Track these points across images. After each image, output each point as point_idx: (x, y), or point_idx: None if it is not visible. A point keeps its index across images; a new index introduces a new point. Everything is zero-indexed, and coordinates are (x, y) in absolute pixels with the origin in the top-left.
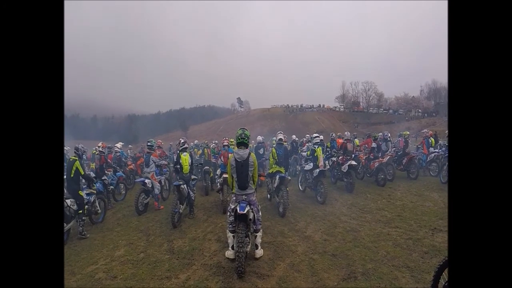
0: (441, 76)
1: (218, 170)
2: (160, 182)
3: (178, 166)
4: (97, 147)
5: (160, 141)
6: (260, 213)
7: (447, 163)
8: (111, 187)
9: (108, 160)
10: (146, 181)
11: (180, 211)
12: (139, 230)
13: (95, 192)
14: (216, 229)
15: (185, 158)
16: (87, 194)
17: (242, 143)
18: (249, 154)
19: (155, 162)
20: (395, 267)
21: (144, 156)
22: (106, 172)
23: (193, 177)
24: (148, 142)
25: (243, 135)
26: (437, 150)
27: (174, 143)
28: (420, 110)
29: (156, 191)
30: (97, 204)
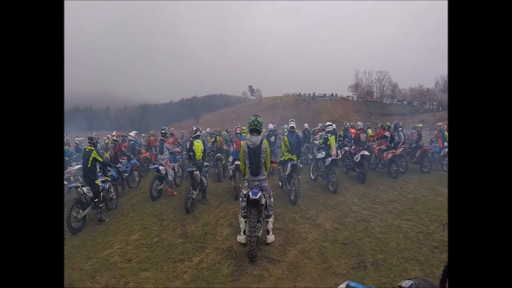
0: None
1: (230, 157)
2: (173, 168)
3: (191, 153)
4: (109, 136)
5: (173, 128)
6: (272, 199)
7: None
8: (125, 174)
9: (122, 149)
10: (160, 167)
11: (193, 196)
12: (153, 215)
13: (110, 179)
14: (228, 214)
15: (198, 145)
16: (102, 182)
17: (255, 129)
18: (262, 140)
19: (168, 149)
20: (404, 259)
21: (158, 143)
22: (120, 160)
23: (205, 163)
24: (162, 129)
25: (255, 121)
26: None
27: (186, 131)
28: (435, 103)
29: (170, 177)
30: (112, 190)
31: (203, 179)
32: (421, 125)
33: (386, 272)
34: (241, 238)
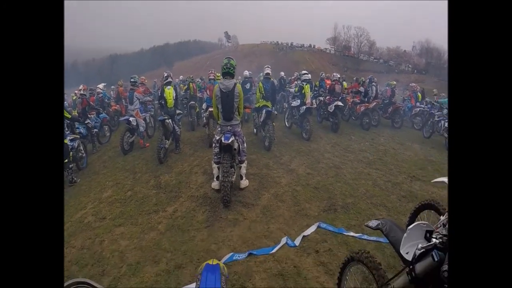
0: (435, 37)
1: (204, 105)
2: (145, 119)
3: (163, 101)
4: (76, 92)
5: (143, 78)
6: (245, 145)
7: (431, 120)
8: (95, 130)
9: (91, 103)
10: (131, 119)
11: (166, 146)
12: (125, 169)
13: (78, 137)
14: (202, 162)
15: (169, 92)
16: (71, 140)
17: (228, 73)
18: (235, 84)
19: (139, 99)
20: (373, 205)
21: (128, 93)
22: (89, 115)
23: (178, 111)
24: (132, 78)
25: (228, 64)
26: (422, 106)
27: (158, 80)
28: (410, 66)
29: (141, 128)
30: (81, 148)
31: (176, 127)
32: (395, 83)
33: (355, 216)
34: (214, 184)
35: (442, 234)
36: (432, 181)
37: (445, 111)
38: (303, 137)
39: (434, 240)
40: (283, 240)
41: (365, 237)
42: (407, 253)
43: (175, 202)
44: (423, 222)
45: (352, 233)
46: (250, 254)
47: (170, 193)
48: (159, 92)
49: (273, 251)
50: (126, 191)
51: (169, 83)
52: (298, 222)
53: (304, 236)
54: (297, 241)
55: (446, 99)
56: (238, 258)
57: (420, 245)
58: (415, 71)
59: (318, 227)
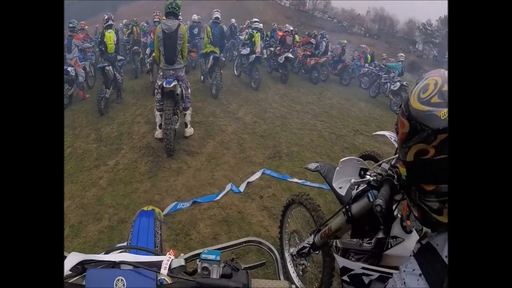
0: (390, 5)
1: (147, 50)
2: (84, 68)
3: (103, 47)
4: None
5: (83, 23)
6: (189, 90)
7: (378, 81)
8: None
9: None
10: (69, 69)
11: (107, 96)
12: (64, 125)
13: None
14: (145, 111)
15: (110, 36)
16: None
17: (172, 13)
18: (179, 25)
19: (77, 46)
20: (317, 154)
21: (66, 40)
22: None
23: (119, 57)
24: (70, 23)
25: (173, 4)
26: (371, 67)
27: (100, 26)
28: (363, 29)
29: (81, 78)
30: None
31: (117, 75)
32: (346, 41)
33: (299, 163)
34: (157, 133)
35: (376, 173)
36: (373, 133)
37: (392, 74)
38: (252, 86)
39: (368, 177)
40: (228, 187)
41: (308, 183)
42: (340, 187)
43: (116, 155)
44: (358, 158)
45: (295, 180)
46: (194, 202)
47: (111, 146)
48: (99, 37)
49: (218, 198)
50: (66, 148)
51: (109, 26)
52: (243, 169)
53: (248, 183)
54: (242, 188)
55: (394, 64)
56: (182, 207)
57: (353, 180)
58: (367, 34)
59: (263, 173)
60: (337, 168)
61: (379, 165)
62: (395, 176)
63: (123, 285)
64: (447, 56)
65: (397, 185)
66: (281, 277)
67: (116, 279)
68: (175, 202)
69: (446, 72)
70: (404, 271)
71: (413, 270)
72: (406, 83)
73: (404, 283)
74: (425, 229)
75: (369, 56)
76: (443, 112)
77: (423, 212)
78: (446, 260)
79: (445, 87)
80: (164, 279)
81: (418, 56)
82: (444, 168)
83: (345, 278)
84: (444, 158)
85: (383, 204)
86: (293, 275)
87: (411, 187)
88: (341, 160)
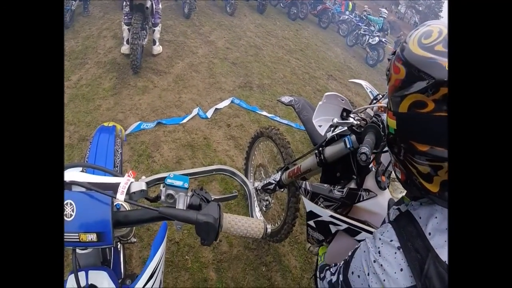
0: None
1: None
2: None
3: None
4: None
5: None
6: (160, 5)
7: (357, 31)
8: None
9: None
10: None
11: (73, 8)
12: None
13: None
14: (113, 25)
15: None
16: None
17: None
18: None
19: None
20: (288, 90)
21: None
22: None
23: None
24: None
25: None
26: (352, 16)
27: None
28: None
29: None
30: None
31: None
32: None
33: (270, 96)
34: (124, 48)
35: (360, 117)
36: (350, 80)
37: (372, 28)
38: (227, 11)
39: (351, 120)
40: (195, 111)
41: (277, 118)
42: (320, 126)
43: (80, 70)
44: (342, 97)
45: (265, 113)
46: (158, 124)
47: (75, 61)
48: None
49: (184, 121)
50: None
51: None
52: (211, 95)
53: (216, 109)
54: (209, 113)
55: (376, 18)
56: (146, 127)
57: (335, 120)
58: None
59: (232, 102)
60: (320, 103)
61: (364, 110)
62: (381, 125)
63: (72, 210)
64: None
65: (383, 135)
66: (254, 214)
67: (65, 202)
68: (139, 122)
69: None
70: (380, 238)
71: (391, 240)
72: (385, 40)
73: (379, 252)
74: (401, 193)
75: (350, 4)
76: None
77: (408, 174)
78: (429, 237)
79: None
80: (122, 204)
81: (400, 18)
82: (443, 127)
83: (311, 223)
84: (445, 116)
85: (369, 153)
86: (256, 209)
87: (400, 143)
88: (326, 94)
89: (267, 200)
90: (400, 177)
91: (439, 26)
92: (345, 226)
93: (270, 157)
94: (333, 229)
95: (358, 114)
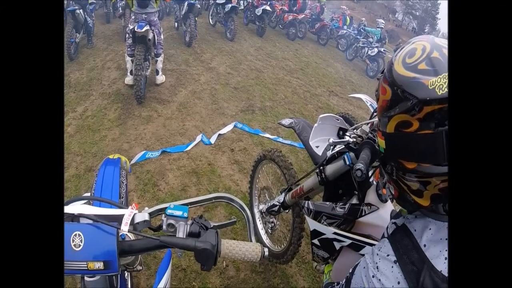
0: None
1: None
2: None
3: None
4: None
5: None
6: (162, 36)
7: (356, 44)
8: None
9: None
10: None
11: (77, 40)
12: None
13: None
14: (116, 57)
15: None
16: None
17: None
18: None
19: None
20: (290, 111)
21: None
22: None
23: (90, 1)
24: None
25: None
26: (350, 30)
27: None
28: None
29: None
30: None
31: (88, 19)
32: (325, 0)
33: (272, 118)
34: (128, 79)
35: (356, 134)
36: (350, 95)
37: (370, 39)
38: (227, 36)
39: (347, 138)
40: (198, 138)
41: (280, 139)
42: (317, 146)
43: (85, 101)
44: (337, 116)
45: (268, 135)
46: (163, 152)
47: (80, 92)
48: None
49: (188, 148)
50: None
51: None
52: (214, 121)
53: (220, 135)
54: (213, 139)
55: (373, 29)
56: (151, 156)
57: (331, 140)
58: None
59: (235, 126)
60: (315, 125)
61: (360, 127)
62: (376, 140)
63: (81, 240)
64: (426, 30)
65: (378, 150)
66: (253, 238)
67: (73, 234)
68: (144, 151)
69: (435, 39)
70: (377, 254)
71: (388, 255)
72: (384, 50)
73: (377, 267)
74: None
75: (348, 19)
76: (432, 81)
77: (400, 191)
78: (424, 249)
79: (435, 54)
80: (126, 234)
81: (397, 25)
82: (428, 145)
83: (316, 241)
84: (429, 133)
85: (364, 169)
86: (262, 232)
87: (390, 162)
88: (320, 116)
89: (272, 222)
90: (393, 193)
91: (423, 43)
92: (349, 241)
93: (275, 179)
94: (337, 245)
95: (355, 131)
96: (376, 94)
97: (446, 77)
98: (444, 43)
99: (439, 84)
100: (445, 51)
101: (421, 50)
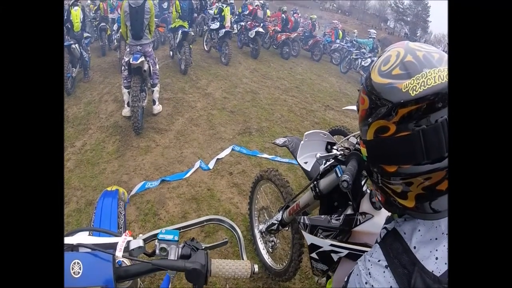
0: None
1: (115, 25)
2: None
3: (69, 25)
4: None
5: None
6: (157, 66)
7: (349, 57)
8: None
9: None
10: None
11: (73, 75)
12: None
13: None
14: (113, 89)
15: (76, 14)
16: None
17: None
18: None
19: None
20: (287, 129)
21: None
22: None
23: (86, 35)
24: None
25: None
26: (342, 43)
27: (66, 3)
28: (335, 5)
29: None
30: None
31: (84, 53)
32: (315, 16)
33: (269, 138)
34: (125, 111)
35: (344, 147)
36: (343, 108)
37: (363, 50)
38: (222, 61)
39: (335, 151)
40: (197, 164)
41: (278, 159)
42: (305, 162)
43: (83, 135)
44: (323, 132)
45: (265, 155)
46: (162, 181)
47: (78, 127)
48: (66, 15)
49: (187, 175)
50: None
51: (75, 4)
52: (212, 146)
53: (218, 159)
54: (211, 164)
55: (365, 40)
56: (151, 186)
57: (319, 155)
58: (339, 11)
59: (232, 150)
60: (302, 142)
61: (347, 139)
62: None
63: (80, 268)
64: (418, 34)
65: (365, 160)
66: (244, 256)
67: (73, 262)
68: (143, 182)
69: (410, 43)
70: (369, 260)
71: (379, 260)
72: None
73: (370, 274)
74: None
75: (340, 33)
76: (405, 84)
77: (386, 196)
78: (414, 251)
79: (408, 58)
80: (123, 261)
81: (390, 33)
82: (406, 147)
83: (314, 255)
84: (406, 135)
85: (349, 180)
86: (263, 252)
87: (373, 168)
88: (306, 133)
89: (272, 241)
90: (380, 199)
91: (398, 49)
92: (346, 252)
93: (274, 198)
94: (335, 257)
95: (342, 144)
96: (356, 105)
97: (420, 78)
98: (419, 46)
99: (412, 86)
100: (419, 54)
101: (395, 56)
